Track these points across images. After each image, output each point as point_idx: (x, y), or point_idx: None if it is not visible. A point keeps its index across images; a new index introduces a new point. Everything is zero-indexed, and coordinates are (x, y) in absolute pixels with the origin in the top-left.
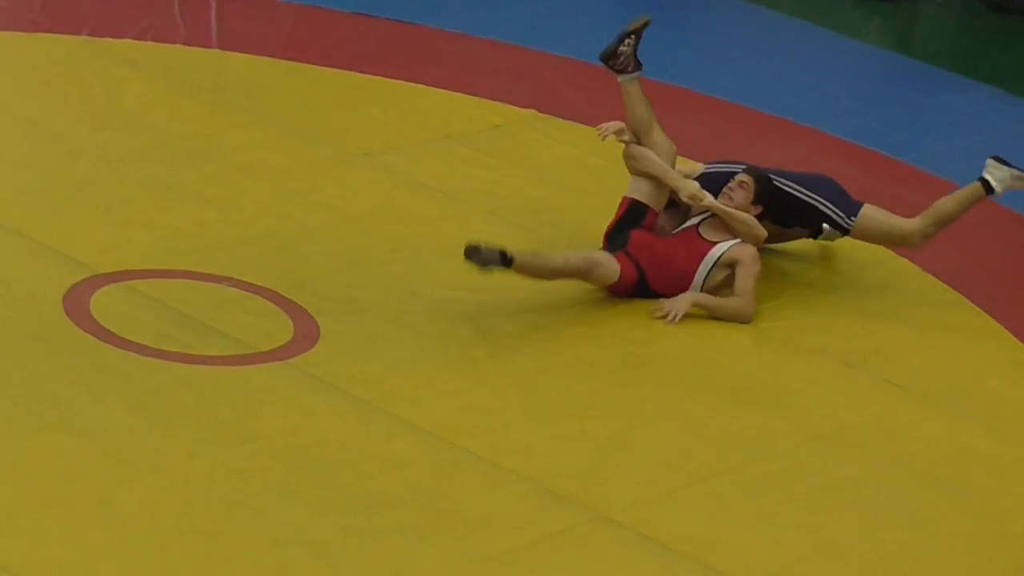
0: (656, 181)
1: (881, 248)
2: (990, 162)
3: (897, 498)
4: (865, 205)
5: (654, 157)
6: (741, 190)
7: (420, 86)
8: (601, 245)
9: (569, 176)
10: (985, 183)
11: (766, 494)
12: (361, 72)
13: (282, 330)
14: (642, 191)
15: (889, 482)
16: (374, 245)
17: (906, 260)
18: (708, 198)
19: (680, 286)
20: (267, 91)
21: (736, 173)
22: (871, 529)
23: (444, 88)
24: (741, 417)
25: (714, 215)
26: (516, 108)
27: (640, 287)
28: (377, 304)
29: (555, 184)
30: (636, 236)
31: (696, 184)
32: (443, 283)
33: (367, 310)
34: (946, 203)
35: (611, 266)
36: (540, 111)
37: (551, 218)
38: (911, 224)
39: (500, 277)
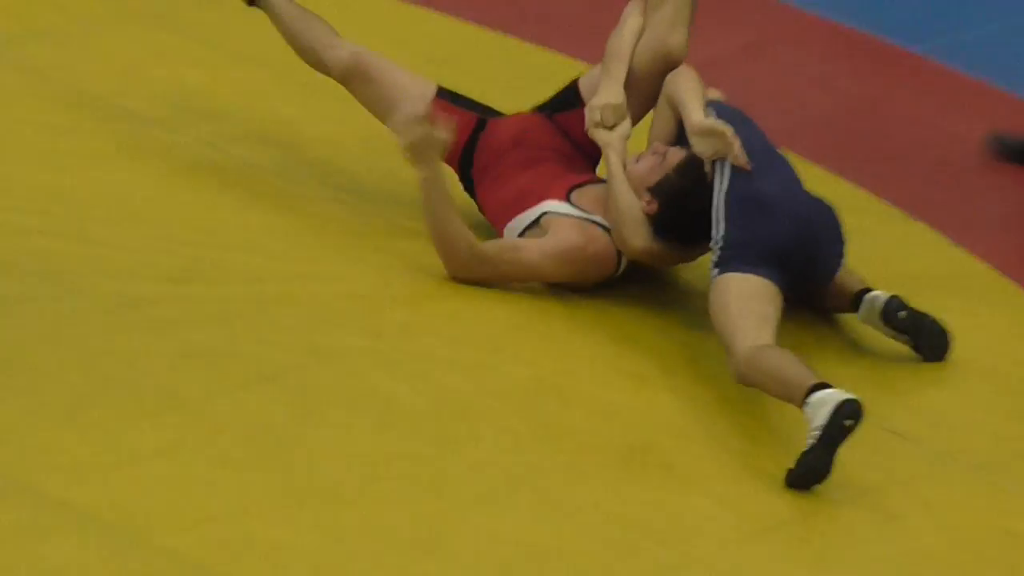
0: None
1: (877, 202)
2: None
3: None
4: (734, 275)
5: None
6: (653, 158)
7: None
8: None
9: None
10: None
11: None
12: None
13: None
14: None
15: None
16: (9, 203)
17: (923, 224)
18: (608, 138)
19: (497, 214)
20: None
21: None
22: None
23: None
24: (642, 496)
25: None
26: None
27: (464, 153)
28: (10, 302)
29: (325, 92)
30: (502, 121)
31: (613, 103)
32: (130, 269)
33: None
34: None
35: (417, 86)
36: None
37: (320, 154)
38: (746, 341)
39: (232, 257)
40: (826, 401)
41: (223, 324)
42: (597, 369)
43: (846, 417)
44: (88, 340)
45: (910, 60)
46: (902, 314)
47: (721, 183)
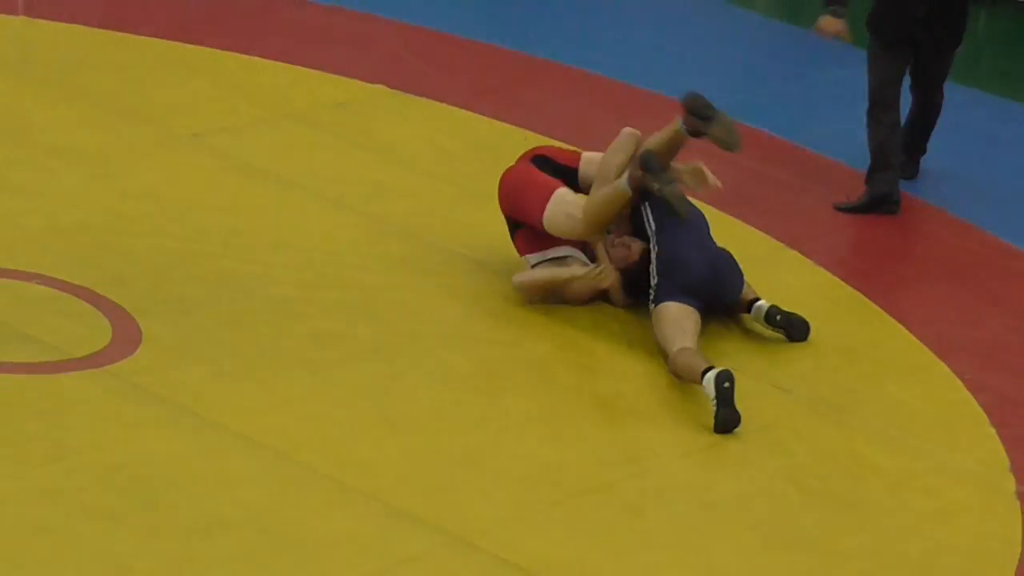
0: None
1: (766, 238)
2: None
3: (785, 517)
4: (665, 304)
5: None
6: (623, 249)
7: (255, 58)
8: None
9: (422, 159)
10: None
11: (641, 514)
12: (188, 42)
13: (99, 333)
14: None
15: (776, 499)
16: (203, 237)
17: (796, 252)
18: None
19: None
20: (81, 63)
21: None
22: (756, 552)
23: (282, 60)
24: (613, 428)
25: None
26: (363, 83)
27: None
28: (206, 303)
29: (407, 168)
30: None
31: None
32: (280, 279)
33: (195, 310)
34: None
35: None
36: (389, 86)
37: (403, 207)
38: (673, 348)
39: (347, 272)
40: (710, 379)
41: (340, 316)
42: (586, 347)
43: (724, 381)
44: (253, 326)
45: (784, 146)
46: (778, 317)
47: (655, 251)
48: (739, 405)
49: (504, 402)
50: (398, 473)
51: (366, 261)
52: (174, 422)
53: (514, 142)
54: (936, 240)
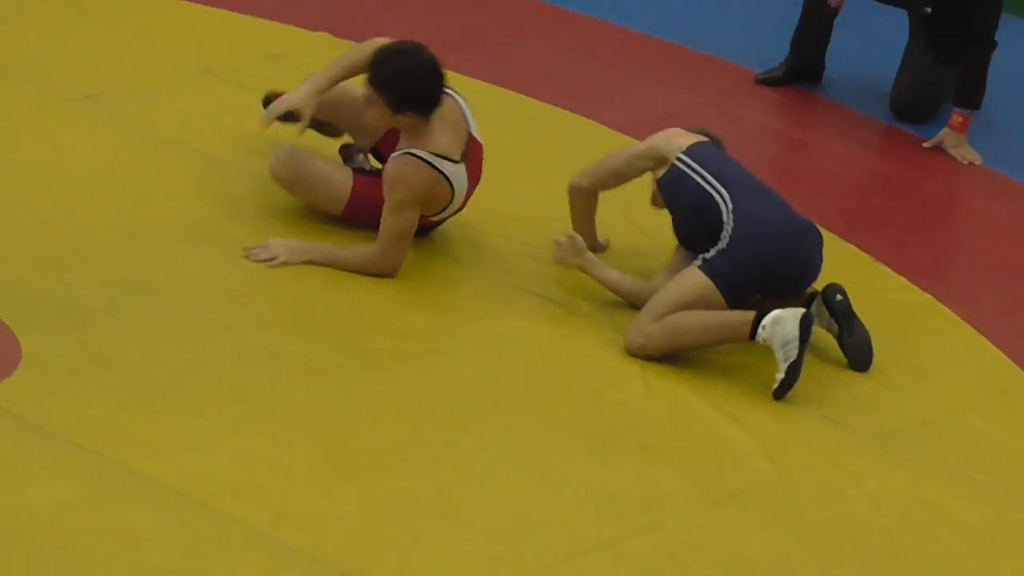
0: None
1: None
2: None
3: None
4: (706, 279)
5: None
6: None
7: None
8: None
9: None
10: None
11: None
12: None
13: None
14: None
15: (829, 559)
16: (101, 228)
17: (852, 246)
18: (579, 264)
19: None
20: None
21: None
22: None
23: (201, 2)
24: (623, 470)
25: None
26: (303, 31)
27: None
28: (105, 312)
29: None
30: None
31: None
32: (199, 281)
33: (89, 320)
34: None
35: (345, 183)
36: (336, 35)
37: None
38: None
39: (283, 271)
40: (787, 317)
41: (277, 328)
42: (583, 365)
43: (807, 321)
44: (166, 342)
45: (825, 105)
46: (839, 298)
47: (727, 207)
48: (779, 438)
49: (481, 435)
50: (347, 527)
51: None
52: (60, 462)
53: (494, 105)
54: None
